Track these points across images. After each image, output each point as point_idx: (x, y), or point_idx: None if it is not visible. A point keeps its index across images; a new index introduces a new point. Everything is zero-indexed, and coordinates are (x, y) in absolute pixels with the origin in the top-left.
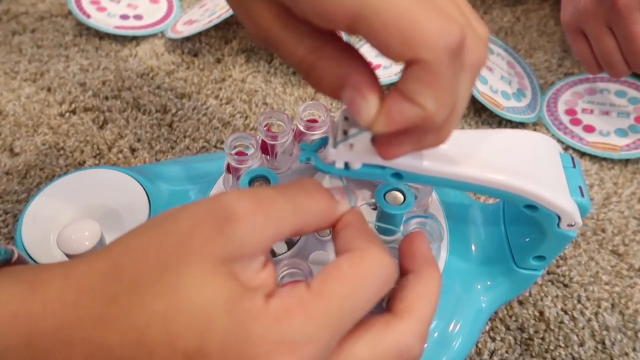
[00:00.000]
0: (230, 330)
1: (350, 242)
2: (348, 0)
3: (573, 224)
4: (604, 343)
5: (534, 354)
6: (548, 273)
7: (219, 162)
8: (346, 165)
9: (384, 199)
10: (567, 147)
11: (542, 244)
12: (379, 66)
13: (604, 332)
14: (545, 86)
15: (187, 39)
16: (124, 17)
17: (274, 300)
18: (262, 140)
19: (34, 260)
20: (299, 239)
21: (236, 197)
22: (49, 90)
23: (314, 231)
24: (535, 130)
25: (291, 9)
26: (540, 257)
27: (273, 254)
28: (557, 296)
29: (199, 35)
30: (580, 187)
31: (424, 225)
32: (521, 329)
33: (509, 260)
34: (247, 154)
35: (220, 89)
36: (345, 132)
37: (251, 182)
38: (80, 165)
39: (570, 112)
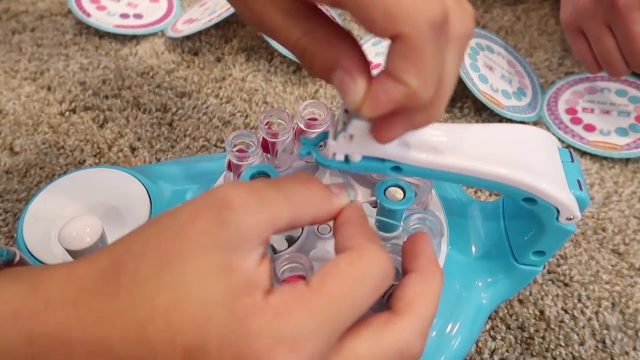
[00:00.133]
0: (229, 326)
1: (349, 239)
2: None
3: (572, 217)
4: (604, 342)
5: (534, 353)
6: (548, 272)
7: (219, 162)
8: (346, 158)
9: (384, 195)
10: (567, 146)
11: (542, 239)
12: (378, 65)
13: (605, 331)
14: (545, 85)
15: (187, 37)
16: (124, 16)
17: (273, 296)
18: (263, 138)
19: (35, 258)
20: (300, 236)
21: (230, 187)
22: (49, 89)
23: (312, 222)
24: None
25: None
26: (540, 252)
27: (274, 251)
28: (557, 295)
29: (199, 34)
30: (578, 181)
31: (424, 220)
32: (522, 328)
33: (509, 256)
34: (248, 152)
35: (220, 87)
36: (345, 125)
37: (252, 178)
38: (80, 164)
39: (571, 111)
